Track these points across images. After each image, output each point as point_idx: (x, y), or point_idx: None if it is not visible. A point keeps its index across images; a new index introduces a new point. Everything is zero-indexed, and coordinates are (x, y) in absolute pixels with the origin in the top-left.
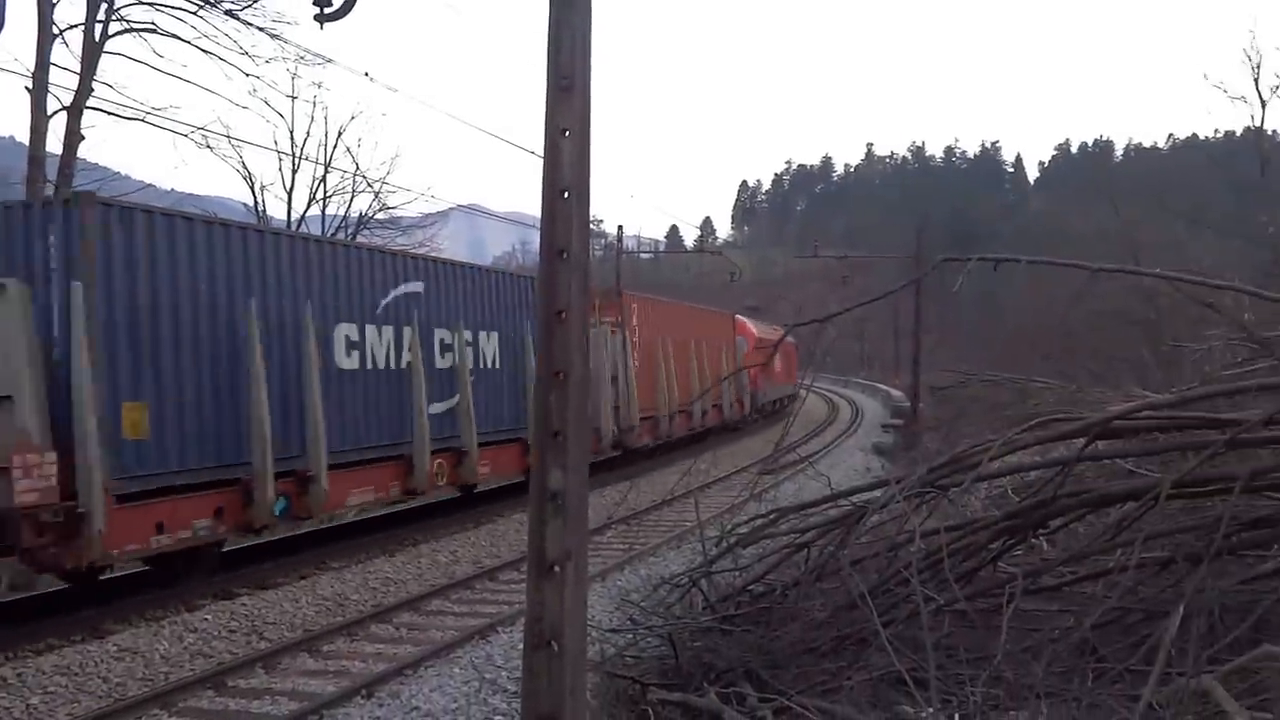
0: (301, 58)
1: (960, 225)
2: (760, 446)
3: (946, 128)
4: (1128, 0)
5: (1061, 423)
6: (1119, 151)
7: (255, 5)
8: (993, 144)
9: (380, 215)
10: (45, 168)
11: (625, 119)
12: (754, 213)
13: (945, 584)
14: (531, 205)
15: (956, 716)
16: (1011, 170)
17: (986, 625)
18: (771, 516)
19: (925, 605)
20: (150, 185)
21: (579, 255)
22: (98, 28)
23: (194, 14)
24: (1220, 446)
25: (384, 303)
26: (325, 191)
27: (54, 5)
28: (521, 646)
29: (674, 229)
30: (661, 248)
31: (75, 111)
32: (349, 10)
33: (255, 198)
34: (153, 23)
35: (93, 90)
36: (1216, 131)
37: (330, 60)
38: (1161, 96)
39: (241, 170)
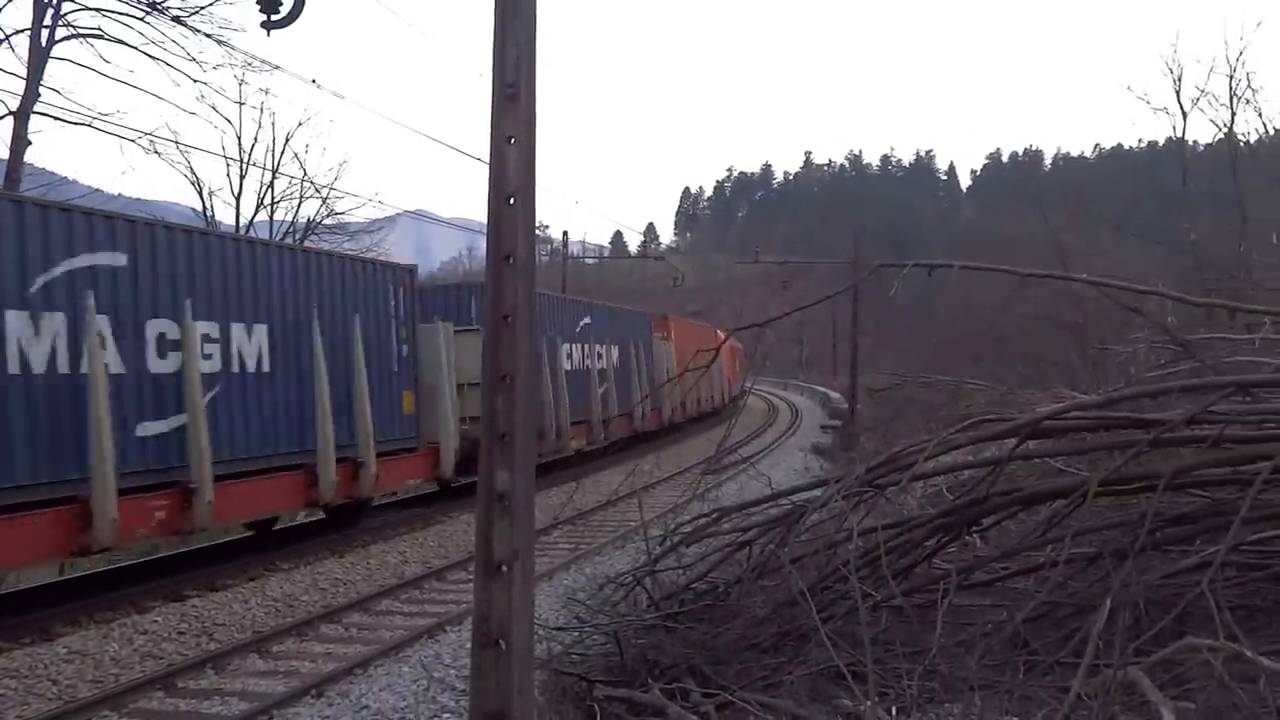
0: (249, 64)
1: (896, 231)
2: (703, 446)
3: (883, 136)
4: (1056, 14)
5: (993, 423)
6: (1048, 161)
7: (202, 12)
8: (927, 152)
9: (328, 221)
10: None
11: (570, 126)
12: (696, 219)
13: (882, 581)
14: (478, 211)
15: (894, 709)
16: (945, 178)
17: (922, 620)
18: (714, 516)
19: (863, 601)
20: (98, 190)
21: (525, 260)
22: (44, 33)
23: (141, 20)
24: (1145, 446)
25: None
26: (273, 197)
27: None
28: (470, 645)
29: (618, 234)
30: (606, 253)
31: (22, 116)
32: (296, 18)
33: (203, 203)
34: (99, 28)
35: (39, 95)
36: (1140, 142)
37: (277, 67)
38: (1088, 108)
39: (189, 176)
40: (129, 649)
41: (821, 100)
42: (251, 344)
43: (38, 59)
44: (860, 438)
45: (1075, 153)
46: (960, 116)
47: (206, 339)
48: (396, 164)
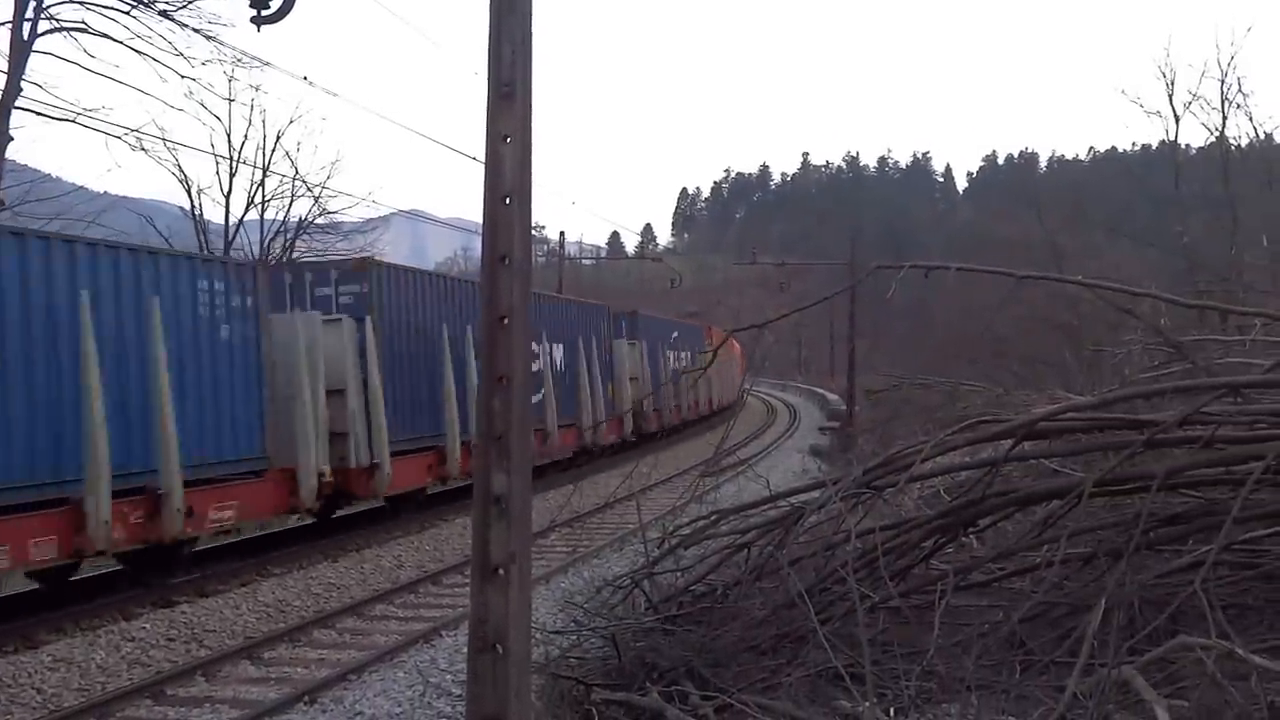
0: (239, 60)
1: (893, 233)
2: (701, 449)
3: (880, 138)
4: (1051, 18)
5: (990, 424)
6: (1043, 163)
7: (190, 6)
8: (924, 154)
9: (320, 220)
10: None
11: (567, 126)
12: (694, 220)
13: (880, 582)
14: (473, 211)
15: (892, 710)
16: (941, 180)
17: (920, 621)
18: (712, 518)
19: (861, 603)
20: (82, 188)
21: (521, 261)
22: (26, 26)
23: (126, 14)
24: (1139, 446)
25: None
26: (264, 196)
27: None
28: (466, 650)
29: (615, 235)
30: (603, 254)
31: (3, 111)
32: (287, 13)
33: (192, 201)
34: (83, 22)
35: (21, 90)
36: (1134, 145)
37: (268, 63)
38: (1083, 111)
39: (178, 173)
40: (116, 656)
41: (819, 102)
42: None
43: (19, 53)
44: (858, 439)
45: (1070, 155)
46: (956, 119)
47: None
48: (391, 163)
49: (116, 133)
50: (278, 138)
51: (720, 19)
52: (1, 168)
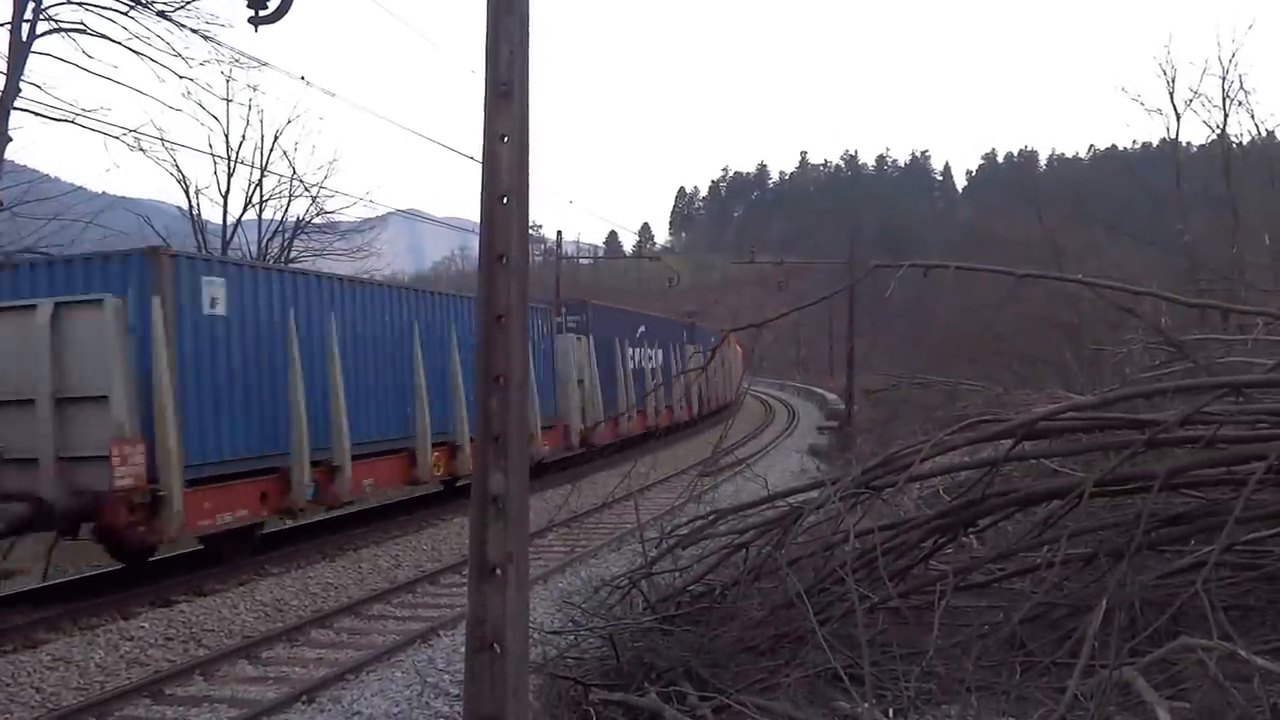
0: (236, 60)
1: (892, 232)
2: (700, 449)
3: (878, 137)
4: (1051, 16)
5: (990, 424)
6: (1043, 161)
7: (188, 7)
8: (922, 153)
9: (317, 220)
10: None
11: (564, 125)
12: (692, 219)
13: (879, 582)
14: (471, 210)
15: (891, 711)
16: (940, 178)
17: (919, 622)
18: (710, 518)
19: (860, 603)
20: (81, 188)
21: (518, 260)
22: (25, 27)
23: (124, 14)
24: (1140, 446)
25: None
26: (262, 195)
27: None
28: (463, 649)
29: (613, 234)
30: (600, 253)
31: (2, 112)
32: (284, 13)
33: (190, 201)
34: (82, 22)
35: (20, 90)
36: (1134, 143)
37: (266, 64)
38: (1083, 109)
39: (176, 173)
40: (115, 656)
41: (817, 100)
42: None
43: (18, 53)
44: (857, 439)
45: (1070, 153)
46: (956, 117)
47: None
48: (388, 163)
49: (115, 133)
50: (275, 137)
51: (718, 18)
52: (0, 168)
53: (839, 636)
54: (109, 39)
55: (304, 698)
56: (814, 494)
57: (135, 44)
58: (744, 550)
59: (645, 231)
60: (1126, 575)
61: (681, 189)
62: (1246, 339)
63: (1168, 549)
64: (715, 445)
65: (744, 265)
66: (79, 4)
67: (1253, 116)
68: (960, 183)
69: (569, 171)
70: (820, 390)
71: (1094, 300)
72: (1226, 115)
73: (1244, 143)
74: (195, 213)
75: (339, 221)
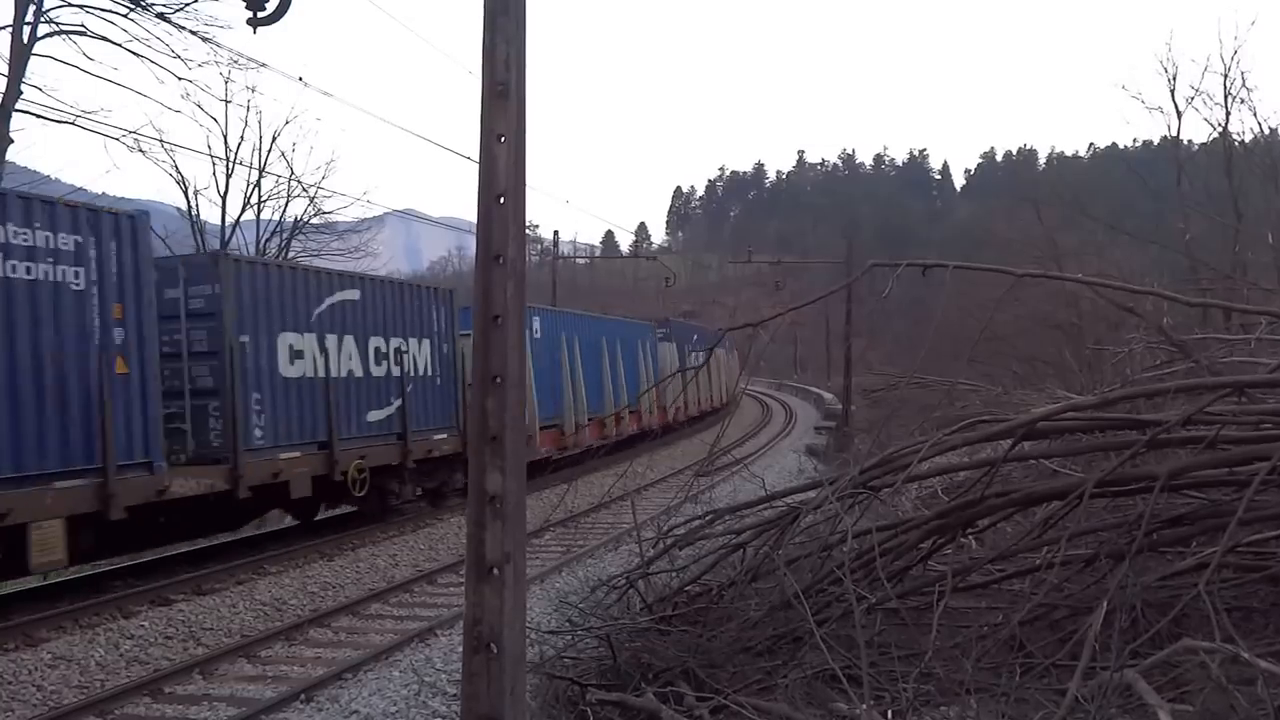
0: (235, 61)
1: (890, 230)
2: (698, 449)
3: (876, 136)
4: (1050, 13)
5: (988, 424)
6: (1042, 159)
7: (187, 9)
8: (920, 152)
9: (315, 220)
10: None
11: (561, 124)
12: (688, 218)
13: (877, 583)
14: (467, 210)
15: (889, 712)
16: (939, 177)
17: (918, 623)
18: (708, 518)
19: (858, 604)
20: (81, 189)
21: (515, 260)
22: (26, 29)
23: (124, 16)
24: (1141, 446)
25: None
26: (260, 196)
27: None
28: (461, 649)
29: (609, 234)
30: (597, 253)
31: (4, 114)
32: (282, 14)
33: (189, 202)
34: (82, 25)
35: (21, 93)
36: (1135, 141)
37: (264, 65)
38: (1082, 107)
39: (175, 174)
40: (115, 654)
41: (814, 99)
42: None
43: (19, 56)
44: (854, 439)
45: (1069, 152)
46: (954, 115)
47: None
48: (385, 163)
49: (114, 134)
50: (273, 138)
51: (715, 17)
52: (2, 170)
53: (837, 637)
54: (109, 41)
55: (302, 696)
56: (812, 494)
57: (135, 46)
58: (741, 550)
59: (642, 231)
60: (1128, 576)
61: (678, 188)
62: (1249, 339)
63: (1169, 550)
64: (712, 445)
65: (741, 265)
66: (79, 6)
67: (1255, 114)
68: (959, 181)
69: (566, 171)
70: (818, 390)
71: (1094, 300)
72: (1228, 113)
73: (1246, 140)
74: (194, 214)
75: (336, 222)
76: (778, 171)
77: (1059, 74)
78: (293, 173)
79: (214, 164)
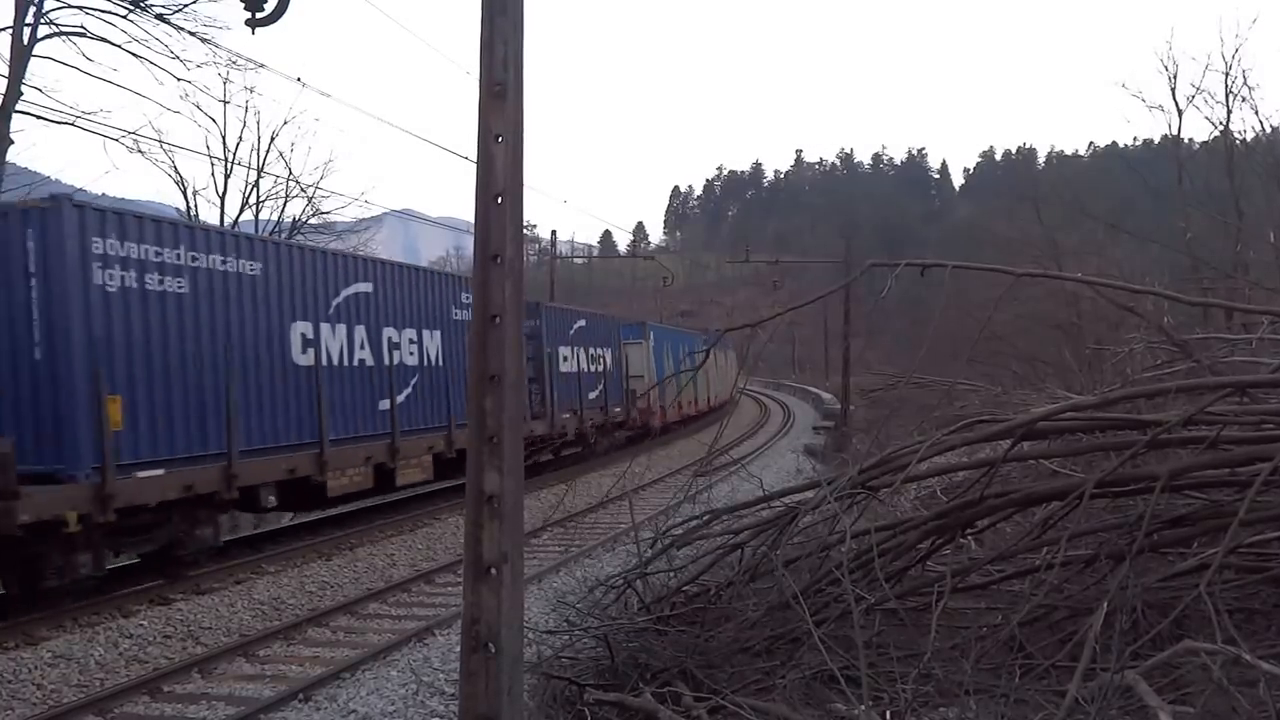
0: (233, 62)
1: (889, 230)
2: (696, 449)
3: (874, 135)
4: (1050, 11)
5: (988, 424)
6: (1041, 158)
7: (186, 9)
8: (919, 151)
9: (314, 220)
10: None
11: (559, 124)
12: (686, 218)
13: (876, 583)
14: (465, 210)
15: (888, 714)
16: (937, 177)
17: (916, 624)
18: (705, 518)
19: (856, 604)
20: (80, 189)
21: (513, 260)
22: (26, 31)
23: (124, 18)
24: (1141, 447)
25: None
26: (258, 196)
27: None
28: (458, 649)
29: (607, 234)
30: (595, 252)
31: (4, 115)
32: (280, 15)
33: (187, 202)
34: (82, 26)
35: (21, 94)
36: (1135, 140)
37: (262, 65)
38: (1082, 106)
39: (174, 175)
40: (114, 653)
41: (812, 98)
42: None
43: (19, 57)
44: (853, 439)
45: (1069, 150)
46: (953, 114)
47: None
48: (383, 163)
49: (114, 135)
50: (272, 139)
51: (713, 15)
52: (2, 170)
53: (835, 638)
54: (108, 42)
55: (300, 696)
56: (810, 494)
57: (134, 47)
58: (739, 551)
59: (640, 231)
60: (1128, 577)
61: (676, 188)
62: (1251, 338)
63: (1170, 551)
64: (710, 445)
65: (739, 264)
66: (79, 8)
67: (1256, 112)
68: (958, 181)
69: (563, 171)
70: (816, 390)
71: (1094, 299)
72: (1230, 111)
73: (1247, 139)
74: (193, 214)
75: (335, 222)
76: (776, 171)
77: (1059, 73)
78: (291, 173)
79: (212, 164)
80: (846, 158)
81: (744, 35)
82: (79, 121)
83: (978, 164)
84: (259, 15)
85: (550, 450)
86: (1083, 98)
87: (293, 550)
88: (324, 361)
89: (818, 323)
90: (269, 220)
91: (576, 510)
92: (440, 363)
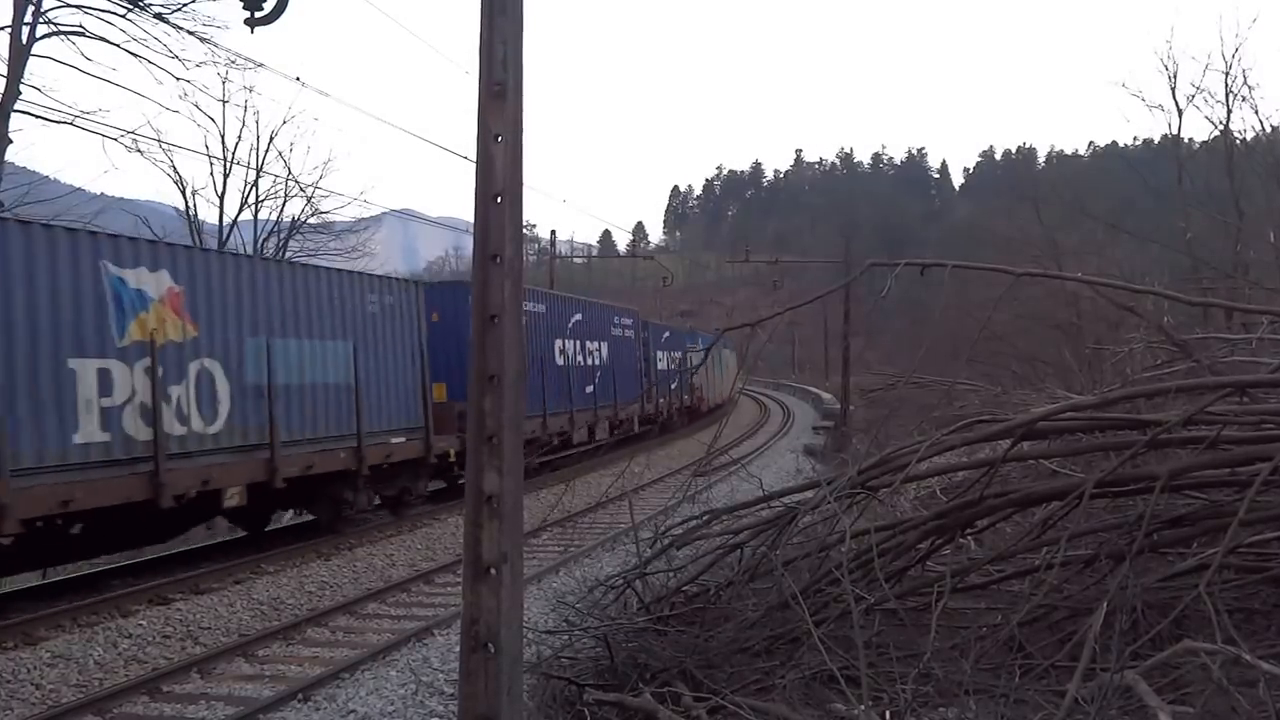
0: (232, 61)
1: (888, 229)
2: (695, 447)
3: (874, 134)
4: (1049, 11)
5: (987, 424)
6: (1041, 158)
7: (185, 9)
8: (919, 150)
9: (312, 220)
10: None
11: (558, 124)
12: (686, 218)
13: (875, 583)
14: (465, 210)
15: (888, 714)
16: (937, 176)
17: (916, 624)
18: (705, 518)
19: (856, 604)
20: (79, 189)
21: (512, 260)
22: (25, 30)
23: (122, 17)
24: (1141, 447)
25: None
26: (257, 196)
27: None
28: (458, 649)
29: (607, 234)
30: (594, 252)
31: (3, 114)
32: (279, 15)
33: (186, 202)
34: (80, 25)
35: (20, 93)
36: (1135, 139)
37: (261, 64)
38: (1082, 105)
39: (172, 175)
40: (113, 653)
41: (812, 98)
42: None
43: (18, 56)
44: (852, 439)
45: (1069, 150)
46: (953, 114)
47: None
48: (383, 163)
49: (113, 135)
50: (271, 138)
51: (712, 15)
52: (1, 170)
53: (835, 638)
54: (107, 41)
55: (300, 696)
56: (809, 494)
57: (133, 46)
58: (739, 551)
59: (639, 230)
60: (1128, 577)
61: (676, 188)
62: (1251, 338)
63: (1170, 551)
64: (709, 445)
65: (738, 264)
66: (77, 7)
67: (1257, 112)
68: (957, 180)
69: (563, 170)
70: (816, 390)
71: (1094, 299)
72: (1230, 111)
73: (1247, 139)
74: (192, 214)
75: (334, 221)
76: (775, 170)
77: (1058, 72)
78: (290, 172)
79: (211, 164)
80: (846, 157)
81: (743, 35)
82: (78, 121)
83: (977, 164)
84: (258, 15)
85: (658, 425)
86: (1082, 97)
87: (292, 550)
88: (569, 362)
89: (818, 323)
90: (268, 220)
91: (576, 510)
92: (608, 363)
